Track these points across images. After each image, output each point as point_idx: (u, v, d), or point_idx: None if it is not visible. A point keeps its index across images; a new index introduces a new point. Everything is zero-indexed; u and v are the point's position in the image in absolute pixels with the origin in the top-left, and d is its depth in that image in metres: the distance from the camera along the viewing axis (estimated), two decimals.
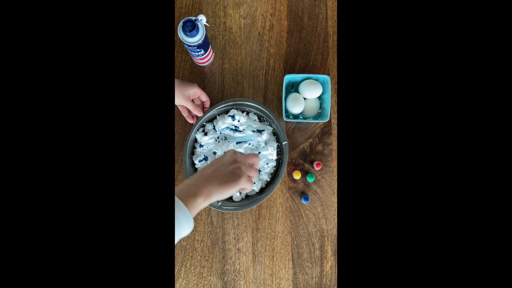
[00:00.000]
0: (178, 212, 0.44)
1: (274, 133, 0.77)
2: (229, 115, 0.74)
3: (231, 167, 0.51)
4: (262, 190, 0.75)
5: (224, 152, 0.74)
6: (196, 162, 0.75)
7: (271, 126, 0.76)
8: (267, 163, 0.74)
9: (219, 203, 0.71)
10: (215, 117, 0.77)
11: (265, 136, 0.74)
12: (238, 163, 0.52)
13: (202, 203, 0.48)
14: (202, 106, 0.77)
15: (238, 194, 0.52)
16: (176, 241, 0.44)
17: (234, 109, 0.75)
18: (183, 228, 0.45)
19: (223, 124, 0.75)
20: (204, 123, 0.77)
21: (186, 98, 0.71)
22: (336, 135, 0.79)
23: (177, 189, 0.49)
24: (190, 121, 0.76)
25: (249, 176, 0.52)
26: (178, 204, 0.45)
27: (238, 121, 0.75)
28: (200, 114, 0.74)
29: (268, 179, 0.75)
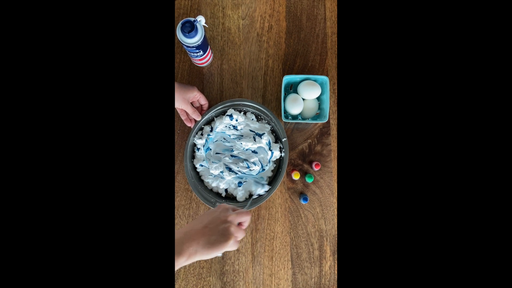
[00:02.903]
0: None
1: (273, 131, 0.77)
2: (227, 115, 0.74)
3: (221, 227, 0.50)
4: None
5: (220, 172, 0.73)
6: (197, 166, 0.76)
7: (269, 124, 0.76)
8: (269, 163, 0.75)
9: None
10: (213, 119, 0.77)
11: (265, 139, 0.74)
12: (228, 223, 0.51)
13: (183, 263, 0.47)
14: (200, 109, 0.77)
15: (219, 255, 0.51)
16: None
17: (232, 108, 0.76)
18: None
19: (221, 124, 0.75)
20: (202, 126, 0.77)
21: (186, 102, 0.71)
22: (335, 135, 0.80)
23: None
24: (188, 124, 0.76)
25: (236, 237, 0.50)
26: None
27: (236, 120, 0.75)
28: (198, 118, 0.74)
29: (270, 176, 0.76)
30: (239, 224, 0.54)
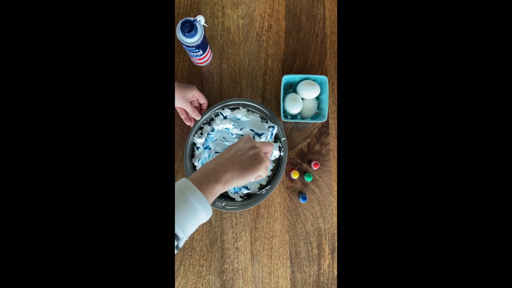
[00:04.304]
0: (194, 199, 0.44)
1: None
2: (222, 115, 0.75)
3: (251, 152, 0.50)
4: (263, 187, 0.75)
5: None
6: (196, 163, 0.76)
7: (268, 122, 0.77)
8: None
9: (223, 204, 0.72)
10: (213, 119, 0.78)
11: (263, 139, 0.74)
12: (257, 148, 0.51)
13: (220, 190, 0.47)
14: (199, 109, 0.77)
15: (252, 181, 0.52)
16: (195, 228, 0.44)
17: (229, 108, 0.76)
18: (200, 215, 0.44)
19: (221, 123, 0.75)
20: (202, 125, 0.77)
21: (186, 101, 0.71)
22: (334, 135, 0.80)
23: (196, 174, 0.48)
24: (188, 123, 0.76)
25: (266, 162, 0.51)
26: (194, 191, 0.44)
27: (237, 118, 0.76)
28: (198, 117, 0.74)
29: (269, 175, 0.76)
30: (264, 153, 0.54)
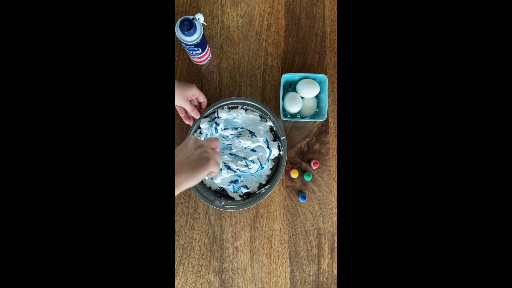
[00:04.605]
0: None
1: (272, 130, 0.77)
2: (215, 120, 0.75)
3: (198, 152, 0.51)
4: (262, 186, 0.75)
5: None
6: None
7: (267, 121, 0.76)
8: (268, 161, 0.75)
9: (222, 203, 0.71)
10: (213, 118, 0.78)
11: (261, 138, 0.74)
12: (204, 146, 0.52)
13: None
14: (199, 107, 0.77)
15: (206, 178, 0.52)
16: None
17: (228, 108, 0.76)
18: None
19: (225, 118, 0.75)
20: (201, 125, 0.77)
21: (185, 99, 0.71)
22: (333, 134, 0.80)
23: None
24: (187, 122, 0.76)
25: (214, 158, 0.52)
26: None
27: (232, 118, 0.75)
28: (197, 116, 0.74)
29: (269, 174, 0.76)
30: (211, 149, 0.55)
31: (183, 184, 0.48)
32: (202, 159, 0.50)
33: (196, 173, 0.49)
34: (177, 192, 0.48)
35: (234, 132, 0.76)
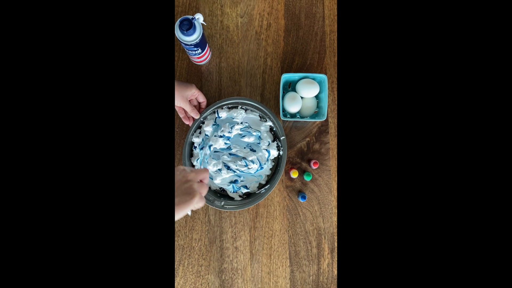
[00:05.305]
0: None
1: (272, 130, 0.77)
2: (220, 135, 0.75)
3: (183, 187, 0.50)
4: (262, 186, 0.75)
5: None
6: (194, 162, 0.76)
7: (267, 121, 0.76)
8: (268, 161, 0.75)
9: (222, 203, 0.71)
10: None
11: (263, 143, 0.74)
12: (190, 181, 0.51)
13: None
14: (198, 107, 0.77)
15: (189, 213, 0.51)
16: None
17: (227, 107, 0.76)
18: None
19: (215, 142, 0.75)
20: (201, 125, 0.77)
21: (185, 100, 0.71)
22: (333, 134, 0.80)
23: None
24: (187, 122, 0.76)
25: (201, 193, 0.51)
26: None
27: (232, 118, 0.75)
28: (196, 116, 0.74)
29: (269, 174, 0.76)
30: (200, 181, 0.54)
31: None
32: (186, 195, 0.49)
33: (179, 209, 0.48)
34: None
35: (239, 127, 0.76)
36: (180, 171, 0.53)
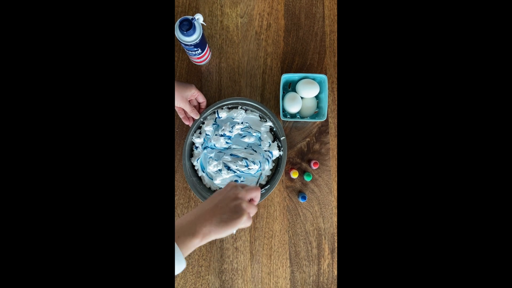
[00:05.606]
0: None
1: (272, 130, 0.77)
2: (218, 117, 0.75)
3: (232, 204, 0.49)
4: (262, 187, 0.75)
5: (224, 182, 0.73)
6: (194, 162, 0.76)
7: (267, 121, 0.76)
8: (268, 162, 0.75)
9: None
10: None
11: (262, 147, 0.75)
12: (239, 199, 0.50)
13: (198, 243, 0.47)
14: (198, 108, 0.77)
15: (234, 232, 0.51)
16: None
17: (227, 108, 0.76)
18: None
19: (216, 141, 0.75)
20: (201, 125, 0.77)
21: (184, 100, 0.71)
22: (333, 134, 0.80)
23: (177, 224, 0.47)
24: (186, 122, 0.76)
25: (249, 213, 0.50)
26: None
27: (232, 118, 0.75)
28: (196, 117, 0.74)
29: (269, 174, 0.76)
30: (251, 200, 0.53)
31: (210, 235, 0.47)
32: (235, 214, 0.48)
33: (225, 227, 0.47)
34: (203, 242, 0.47)
35: (239, 128, 0.76)
36: (231, 187, 0.52)
